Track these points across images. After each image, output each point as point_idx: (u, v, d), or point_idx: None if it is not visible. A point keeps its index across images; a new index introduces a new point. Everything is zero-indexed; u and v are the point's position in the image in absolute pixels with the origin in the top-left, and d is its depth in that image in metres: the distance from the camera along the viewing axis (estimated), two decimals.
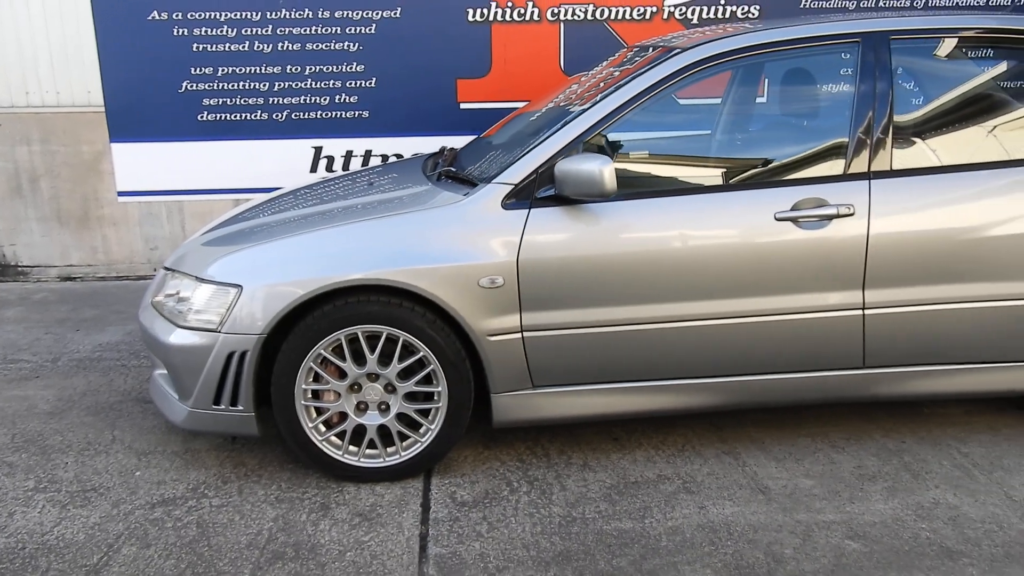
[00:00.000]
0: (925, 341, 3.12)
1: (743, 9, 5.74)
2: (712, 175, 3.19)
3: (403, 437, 3.10)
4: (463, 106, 5.76)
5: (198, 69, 5.57)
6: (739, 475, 3.12)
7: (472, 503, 2.98)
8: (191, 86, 5.60)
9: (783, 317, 3.07)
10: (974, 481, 3.04)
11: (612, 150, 3.17)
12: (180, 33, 5.50)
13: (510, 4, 5.62)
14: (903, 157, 3.09)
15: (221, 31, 5.52)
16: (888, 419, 3.52)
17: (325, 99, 5.70)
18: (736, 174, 3.17)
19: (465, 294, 2.95)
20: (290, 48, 5.59)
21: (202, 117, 5.65)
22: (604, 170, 2.82)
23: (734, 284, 3.02)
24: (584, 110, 3.08)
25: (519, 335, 3.02)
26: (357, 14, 5.57)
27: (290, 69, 5.63)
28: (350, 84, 5.69)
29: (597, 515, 2.89)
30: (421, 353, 3.00)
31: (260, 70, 5.61)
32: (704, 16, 5.74)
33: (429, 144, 5.59)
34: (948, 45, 3.19)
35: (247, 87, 5.63)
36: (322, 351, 2.97)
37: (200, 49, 5.54)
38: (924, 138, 3.15)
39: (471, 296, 2.95)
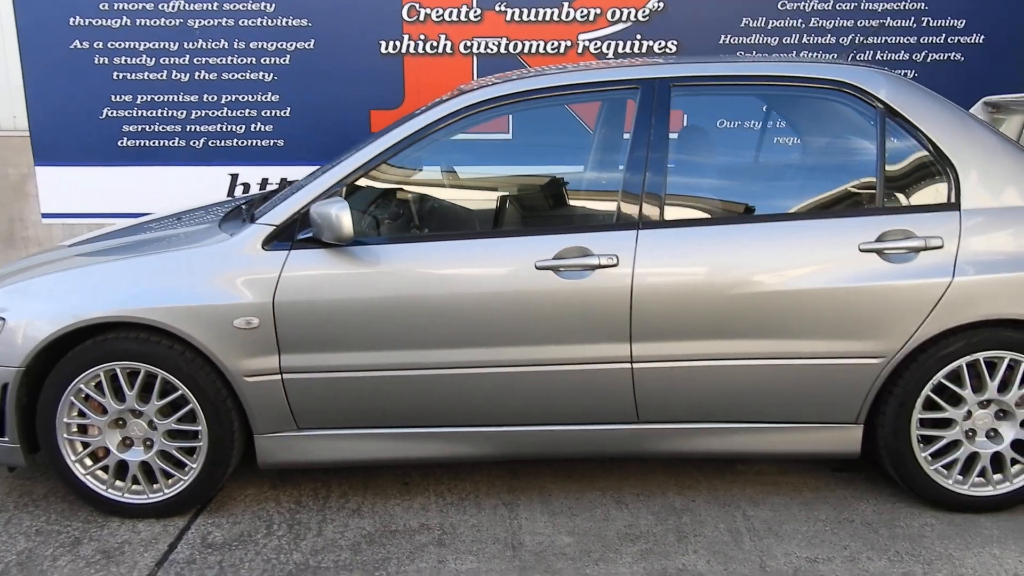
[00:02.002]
0: (699, 398, 3.00)
1: (660, 44, 5.65)
2: (484, 220, 3.13)
3: (169, 475, 3.11)
4: None
5: (118, 97, 5.72)
6: (502, 529, 3.04)
7: (220, 545, 2.96)
8: (111, 113, 5.75)
9: (550, 368, 2.98)
10: (739, 548, 2.90)
11: (381, 194, 3.14)
12: (100, 62, 5.67)
13: (423, 36, 5.65)
14: (676, 208, 2.99)
15: (140, 60, 5.67)
16: (693, 474, 3.39)
17: (241, 127, 5.79)
18: (508, 219, 3.11)
19: (221, 334, 2.95)
20: (206, 77, 5.71)
21: (122, 143, 5.80)
22: (340, 215, 2.80)
23: (496, 333, 2.95)
24: (353, 153, 3.06)
25: (279, 377, 3.00)
26: (271, 45, 5.66)
27: (207, 98, 5.74)
28: (265, 113, 5.77)
29: (333, 565, 2.84)
30: (180, 391, 3.01)
31: (177, 98, 5.74)
32: (620, 51, 5.67)
33: None
34: (730, 93, 3.08)
35: (165, 115, 5.76)
36: (82, 386, 3.00)
37: (120, 77, 5.70)
38: (700, 189, 3.05)
39: (227, 336, 2.95)
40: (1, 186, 5.91)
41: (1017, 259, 2.89)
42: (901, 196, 2.98)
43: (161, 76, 5.69)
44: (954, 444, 3.03)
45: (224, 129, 5.79)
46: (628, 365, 2.96)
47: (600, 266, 2.91)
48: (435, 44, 5.66)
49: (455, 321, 2.94)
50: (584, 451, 3.12)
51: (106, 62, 5.67)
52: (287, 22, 5.62)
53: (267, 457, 3.10)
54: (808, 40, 5.70)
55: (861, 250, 2.90)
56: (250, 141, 5.81)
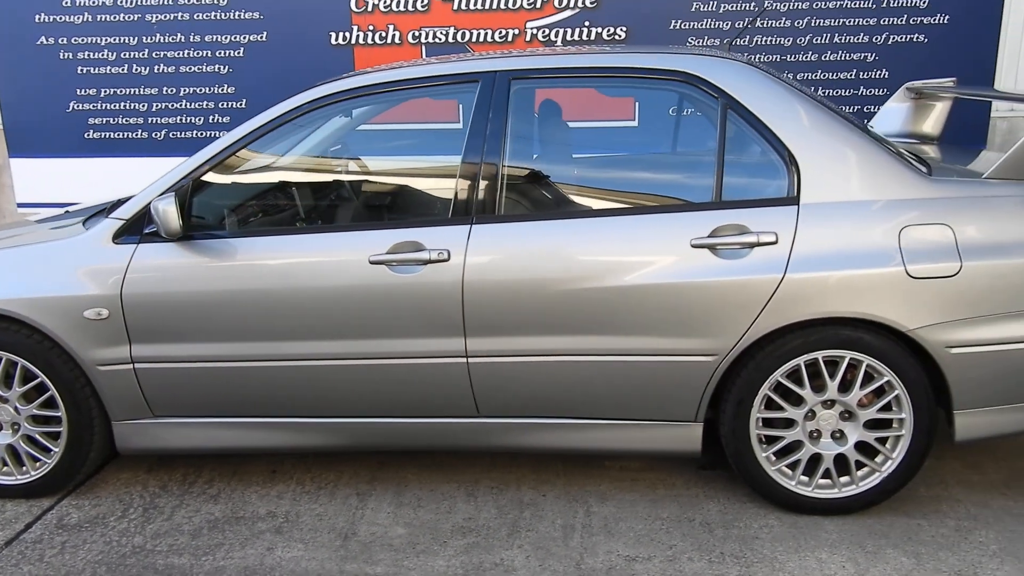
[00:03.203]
0: (535, 393, 2.99)
1: (609, 31, 5.58)
2: (326, 214, 3.17)
3: (36, 458, 3.25)
4: None
5: (83, 90, 5.94)
6: (344, 519, 3.09)
7: (72, 526, 3.09)
8: (77, 106, 5.97)
9: (390, 362, 3.01)
10: (564, 544, 2.89)
11: (267, 188, 3.21)
12: (66, 56, 5.88)
13: (371, 27, 5.69)
14: (512, 203, 2.97)
15: (102, 55, 5.86)
16: (556, 468, 3.38)
17: (199, 119, 5.95)
18: (346, 214, 3.14)
19: (73, 324, 3.06)
20: (165, 71, 5.87)
21: (88, 135, 6.02)
22: (167, 211, 2.88)
23: (335, 326, 2.99)
24: (206, 147, 3.13)
25: (130, 366, 3.10)
26: (226, 38, 5.78)
27: (166, 90, 5.91)
28: (222, 105, 5.92)
29: (167, 548, 2.94)
30: (40, 378, 3.14)
31: (139, 91, 5.92)
32: (569, 38, 5.62)
33: None
34: (573, 86, 3.05)
35: (127, 107, 5.95)
36: None
37: (84, 72, 5.90)
38: (539, 183, 3.03)
39: (79, 327, 3.07)
40: None
41: (855, 256, 2.80)
42: (741, 190, 2.91)
43: (122, 70, 5.88)
44: (796, 445, 2.96)
45: (184, 121, 5.96)
46: (464, 360, 2.98)
47: (432, 260, 2.92)
48: (384, 34, 5.71)
49: (295, 314, 2.99)
50: (430, 444, 3.15)
51: (71, 57, 5.88)
52: (240, 15, 5.73)
53: (124, 443, 3.22)
54: (761, 23, 5.56)
55: (692, 246, 2.84)
56: (209, 132, 5.96)
